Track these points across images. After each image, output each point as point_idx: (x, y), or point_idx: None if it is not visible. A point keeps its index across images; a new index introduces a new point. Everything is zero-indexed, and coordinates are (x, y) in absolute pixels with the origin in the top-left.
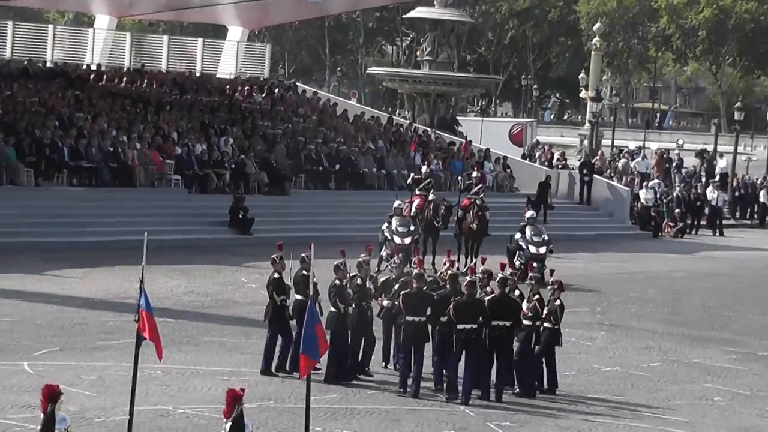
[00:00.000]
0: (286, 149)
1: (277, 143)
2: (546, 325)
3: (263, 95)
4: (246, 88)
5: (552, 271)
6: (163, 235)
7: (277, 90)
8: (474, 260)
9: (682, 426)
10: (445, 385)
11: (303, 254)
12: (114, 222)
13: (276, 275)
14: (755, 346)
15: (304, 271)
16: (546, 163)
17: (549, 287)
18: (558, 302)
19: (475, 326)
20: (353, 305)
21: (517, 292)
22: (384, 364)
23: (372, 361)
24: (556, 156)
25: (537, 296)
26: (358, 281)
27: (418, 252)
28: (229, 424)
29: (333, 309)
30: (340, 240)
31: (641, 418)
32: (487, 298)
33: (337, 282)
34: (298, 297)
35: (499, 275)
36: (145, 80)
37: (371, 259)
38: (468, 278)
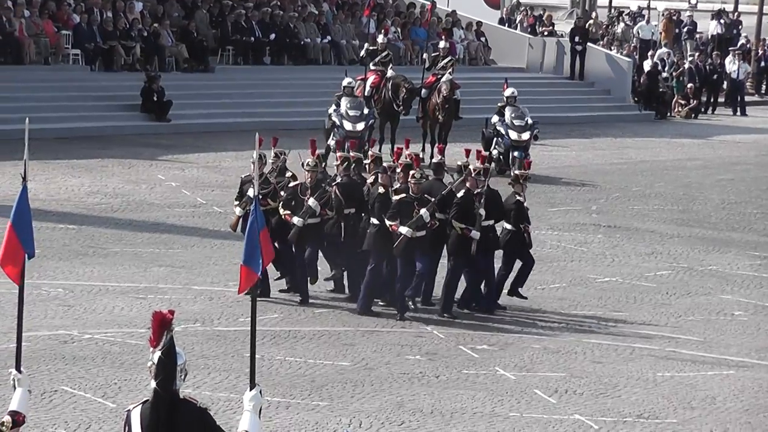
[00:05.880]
0: (208, 16)
1: (198, 8)
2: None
3: None
4: None
5: (484, 159)
6: (60, 123)
7: None
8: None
9: (695, 346)
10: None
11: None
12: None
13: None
14: None
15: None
16: (529, 30)
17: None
18: (462, 192)
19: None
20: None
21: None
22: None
23: None
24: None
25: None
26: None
27: (373, 143)
28: (158, 354)
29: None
30: (277, 127)
31: (647, 338)
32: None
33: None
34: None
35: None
36: None
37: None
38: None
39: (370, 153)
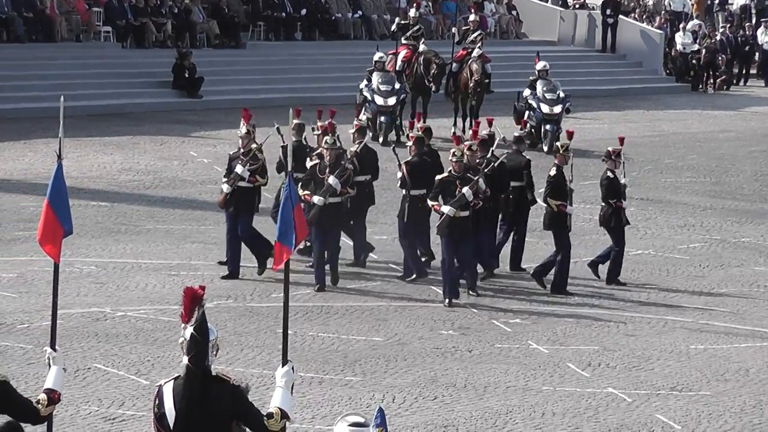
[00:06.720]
0: None
1: None
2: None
3: None
4: None
5: (570, 134)
6: (91, 100)
7: None
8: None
9: (729, 318)
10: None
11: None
12: (31, 86)
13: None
14: None
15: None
16: (560, 2)
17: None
18: (554, 170)
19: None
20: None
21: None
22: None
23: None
24: None
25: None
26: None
27: (358, 112)
28: (190, 330)
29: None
30: (309, 102)
31: (680, 311)
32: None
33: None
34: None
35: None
36: None
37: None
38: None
39: (355, 123)
